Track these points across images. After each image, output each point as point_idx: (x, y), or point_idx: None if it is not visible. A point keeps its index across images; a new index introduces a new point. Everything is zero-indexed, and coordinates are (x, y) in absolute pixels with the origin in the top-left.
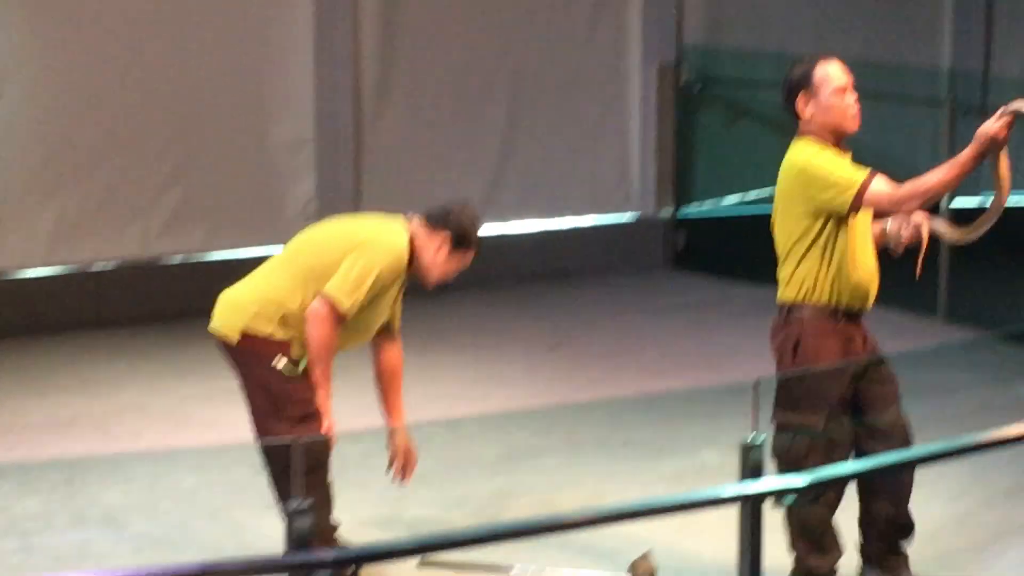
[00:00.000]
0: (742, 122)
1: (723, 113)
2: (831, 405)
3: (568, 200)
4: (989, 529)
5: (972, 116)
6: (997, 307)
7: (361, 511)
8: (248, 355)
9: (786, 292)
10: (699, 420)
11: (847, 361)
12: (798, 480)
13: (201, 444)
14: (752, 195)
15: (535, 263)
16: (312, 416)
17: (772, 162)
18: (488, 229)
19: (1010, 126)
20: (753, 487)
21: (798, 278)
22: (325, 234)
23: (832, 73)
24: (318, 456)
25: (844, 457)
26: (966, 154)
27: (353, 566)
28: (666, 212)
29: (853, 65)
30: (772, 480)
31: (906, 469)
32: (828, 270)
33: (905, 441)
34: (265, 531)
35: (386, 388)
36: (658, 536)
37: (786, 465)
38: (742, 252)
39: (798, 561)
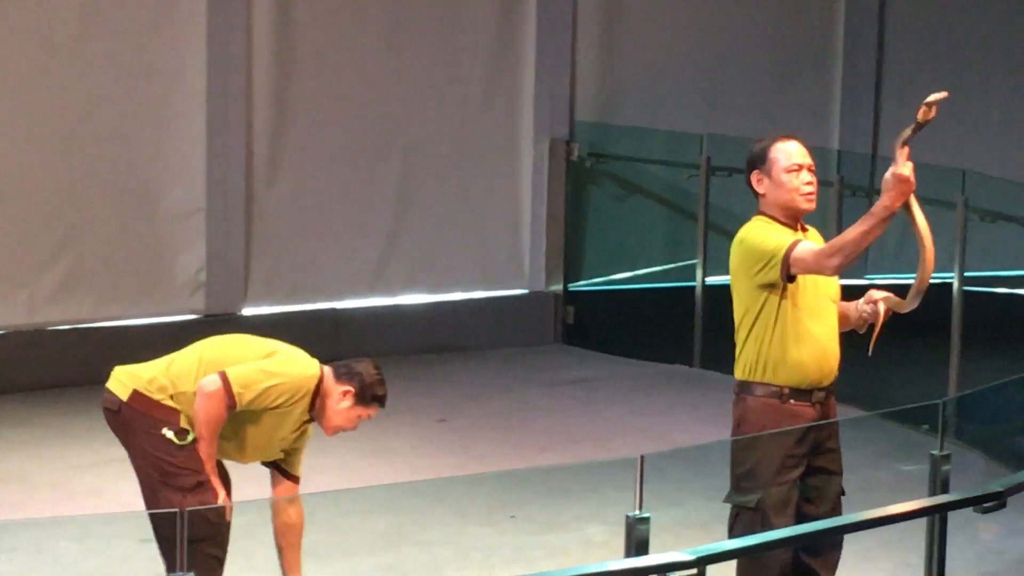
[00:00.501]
0: (633, 198)
1: (614, 189)
2: (766, 483)
3: (458, 274)
4: None
5: (860, 196)
6: (880, 386)
7: None
8: (135, 417)
9: (736, 369)
10: (585, 495)
11: (762, 433)
12: (683, 556)
13: (85, 513)
14: (642, 271)
15: (425, 336)
16: (204, 485)
17: (662, 238)
18: (378, 301)
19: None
20: (638, 562)
21: (744, 355)
22: (240, 339)
23: (786, 151)
24: (211, 526)
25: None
26: (880, 203)
27: None
28: (556, 287)
29: (742, 144)
30: (657, 556)
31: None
32: (770, 348)
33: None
34: None
35: (284, 544)
36: None
37: (731, 537)
38: (631, 327)
39: None
